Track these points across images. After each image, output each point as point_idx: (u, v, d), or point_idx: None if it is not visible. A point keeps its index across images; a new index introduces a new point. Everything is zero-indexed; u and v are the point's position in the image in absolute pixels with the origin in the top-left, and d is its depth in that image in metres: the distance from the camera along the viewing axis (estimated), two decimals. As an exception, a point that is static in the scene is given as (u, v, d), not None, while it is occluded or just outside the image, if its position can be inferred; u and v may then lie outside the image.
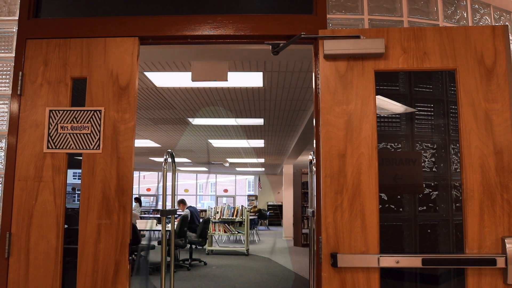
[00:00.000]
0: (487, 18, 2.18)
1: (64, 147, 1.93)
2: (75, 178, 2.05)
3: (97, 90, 1.96)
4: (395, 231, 1.95)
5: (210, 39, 2.05)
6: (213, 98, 5.69)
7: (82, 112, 1.95)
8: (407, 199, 1.98)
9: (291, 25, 1.99)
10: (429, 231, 1.98)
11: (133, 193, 2.05)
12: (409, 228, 1.96)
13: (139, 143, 9.92)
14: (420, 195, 1.96)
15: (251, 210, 15.17)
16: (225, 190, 22.38)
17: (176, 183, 2.85)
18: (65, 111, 1.95)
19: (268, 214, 18.31)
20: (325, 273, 1.75)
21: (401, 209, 1.97)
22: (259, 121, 7.26)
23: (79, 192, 1.91)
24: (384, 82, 1.98)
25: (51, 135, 1.94)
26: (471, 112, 1.80)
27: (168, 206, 2.80)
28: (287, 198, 13.32)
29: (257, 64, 4.27)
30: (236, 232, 9.68)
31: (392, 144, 1.98)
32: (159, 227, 8.45)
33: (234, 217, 9.60)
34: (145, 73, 4.58)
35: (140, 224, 8.18)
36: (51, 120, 1.94)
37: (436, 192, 1.96)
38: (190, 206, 8.92)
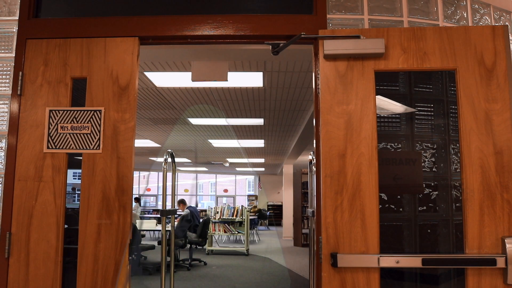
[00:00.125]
0: (487, 18, 2.18)
1: (64, 147, 1.93)
2: (75, 178, 2.05)
3: (97, 90, 1.96)
4: (395, 231, 1.95)
5: (210, 39, 2.05)
6: (213, 98, 5.69)
7: (82, 112, 1.95)
8: (407, 199, 1.98)
9: (291, 25, 1.99)
10: (429, 231, 1.98)
11: (133, 193, 2.05)
12: (409, 228, 1.96)
13: (139, 143, 9.92)
14: (420, 195, 1.96)
15: (251, 210, 15.17)
16: (225, 190, 22.38)
17: (176, 183, 2.85)
18: (65, 111, 1.95)
19: (268, 214, 18.32)
20: (325, 273, 1.75)
21: (401, 209, 1.97)
22: (259, 121, 7.26)
23: (79, 192, 1.91)
24: (384, 82, 1.98)
25: (51, 135, 1.94)
26: (471, 112, 1.81)
27: (168, 206, 2.80)
28: (287, 198, 13.32)
29: (257, 64, 4.27)
30: (236, 232, 9.68)
31: (392, 144, 1.98)
32: (159, 227, 8.45)
33: (234, 217, 9.60)
34: (145, 73, 4.58)
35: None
36: (51, 120, 1.94)
37: (436, 192, 1.96)
38: (190, 206, 8.92)
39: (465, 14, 2.13)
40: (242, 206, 9.86)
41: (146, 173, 20.55)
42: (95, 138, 1.93)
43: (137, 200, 13.91)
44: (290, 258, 9.03)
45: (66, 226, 1.90)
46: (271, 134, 8.65)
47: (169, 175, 2.78)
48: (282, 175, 15.22)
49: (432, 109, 2.07)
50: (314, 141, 1.93)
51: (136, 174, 19.76)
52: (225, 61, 3.53)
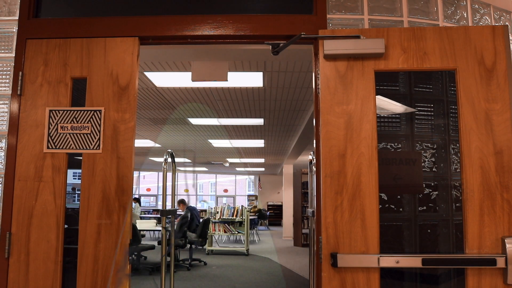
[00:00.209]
0: (487, 18, 2.18)
1: (64, 147, 1.93)
2: (75, 178, 2.05)
3: (97, 90, 1.96)
4: (395, 231, 1.95)
5: (210, 39, 2.05)
6: (213, 98, 5.69)
7: (82, 112, 1.95)
8: (407, 199, 1.98)
9: (291, 25, 1.99)
10: (429, 231, 1.98)
11: (133, 193, 2.05)
12: (409, 228, 1.96)
13: (139, 143, 9.92)
14: (420, 195, 1.96)
15: (251, 210, 15.17)
16: (225, 190, 22.38)
17: (176, 183, 2.85)
18: (65, 111, 1.95)
19: (268, 214, 18.32)
20: (325, 273, 1.75)
21: (401, 209, 1.97)
22: (259, 121, 7.26)
23: (79, 192, 1.91)
24: (384, 82, 1.98)
25: (51, 135, 1.94)
26: (471, 112, 1.81)
27: (168, 206, 2.80)
28: (287, 198, 13.32)
29: (257, 64, 4.27)
30: (236, 232, 9.68)
31: (392, 144, 1.98)
32: (159, 227, 8.44)
33: (234, 217, 9.60)
34: (145, 73, 4.58)
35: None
36: (51, 120, 1.94)
37: (436, 192, 1.96)
38: (190, 206, 8.92)
39: (465, 14, 2.13)
40: (242, 206, 9.86)
41: (146, 173, 20.55)
42: (95, 138, 1.93)
43: (137, 200, 13.90)
44: (290, 258, 9.03)
45: (66, 226, 1.90)
46: (271, 134, 8.65)
47: (169, 175, 2.78)
48: (282, 175, 15.22)
49: (432, 109, 2.07)
50: (314, 141, 1.93)
51: (136, 174, 19.76)
52: (225, 61, 3.53)
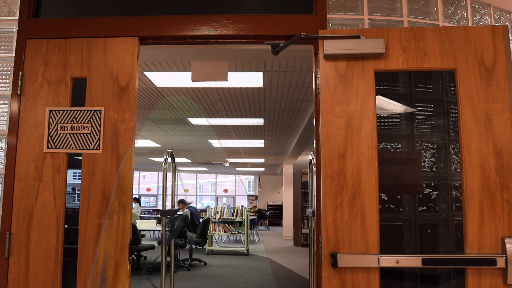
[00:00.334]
0: (487, 18, 2.18)
1: (64, 147, 1.93)
2: (75, 178, 2.05)
3: (97, 90, 1.96)
4: (395, 231, 1.95)
5: (210, 39, 2.05)
6: (213, 98, 5.69)
7: (82, 112, 1.95)
8: (407, 199, 1.98)
9: (291, 25, 1.99)
10: (429, 231, 1.98)
11: (133, 193, 2.05)
12: (409, 228, 1.96)
13: (139, 143, 9.92)
14: (420, 195, 1.96)
15: (251, 210, 15.17)
16: (225, 190, 22.38)
17: (176, 183, 2.85)
18: (65, 111, 1.95)
19: (268, 214, 18.32)
20: (325, 273, 1.75)
21: (401, 209, 1.97)
22: (259, 121, 7.26)
23: (79, 192, 1.91)
24: (384, 82, 1.98)
25: (51, 135, 1.94)
26: (471, 112, 1.80)
27: (168, 206, 2.80)
28: (287, 198, 13.32)
29: (257, 64, 4.27)
30: (236, 232, 9.68)
31: (392, 144, 1.98)
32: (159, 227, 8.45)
33: (234, 217, 9.60)
34: (145, 73, 4.58)
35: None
36: (51, 120, 1.94)
37: (436, 192, 1.96)
38: (190, 206, 8.92)
39: (465, 14, 2.13)
40: (242, 206, 9.86)
41: (146, 173, 20.54)
42: (95, 138, 1.93)
43: (137, 200, 13.91)
44: (290, 258, 9.02)
45: (66, 226, 1.90)
46: (271, 134, 8.65)
47: (169, 175, 2.78)
48: (282, 175, 15.22)
49: (432, 109, 2.07)
50: (314, 141, 1.93)
51: (136, 174, 19.76)
52: (225, 61, 3.53)
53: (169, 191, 2.81)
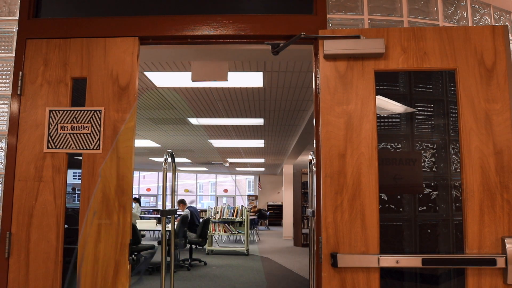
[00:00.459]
0: (487, 18, 2.18)
1: (64, 147, 1.93)
2: (75, 178, 2.05)
3: (97, 90, 1.96)
4: (395, 231, 1.95)
5: (210, 39, 2.05)
6: (213, 98, 5.69)
7: (82, 112, 1.95)
8: (407, 199, 1.98)
9: (291, 25, 1.99)
10: (429, 231, 1.98)
11: (133, 193, 2.05)
12: (409, 228, 1.96)
13: (139, 143, 9.92)
14: (420, 195, 1.96)
15: (251, 210, 15.17)
16: (225, 190, 22.38)
17: (176, 183, 2.85)
18: (65, 111, 1.95)
19: (268, 214, 18.31)
20: (325, 273, 1.75)
21: (401, 209, 1.97)
22: (259, 121, 7.26)
23: (79, 192, 1.91)
24: (384, 82, 1.98)
25: (51, 135, 1.94)
26: (471, 112, 1.81)
27: (168, 206, 2.80)
28: (287, 198, 13.32)
29: (257, 64, 4.27)
30: (236, 232, 9.68)
31: (392, 144, 1.98)
32: (159, 227, 8.45)
33: (234, 217, 9.60)
34: (145, 73, 4.58)
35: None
36: (51, 120, 1.94)
37: (436, 192, 1.96)
38: (190, 206, 8.92)
39: (465, 14, 2.13)
40: (242, 206, 9.86)
41: (146, 173, 20.54)
42: (95, 138, 1.93)
43: (137, 200, 13.91)
44: (290, 258, 9.02)
45: (66, 226, 1.90)
46: (271, 134, 8.65)
47: (169, 175, 2.78)
48: (282, 175, 15.22)
49: (432, 109, 2.07)
50: (314, 141, 1.93)
51: (136, 174, 19.76)
52: (225, 61, 3.53)
53: (169, 191, 2.82)
